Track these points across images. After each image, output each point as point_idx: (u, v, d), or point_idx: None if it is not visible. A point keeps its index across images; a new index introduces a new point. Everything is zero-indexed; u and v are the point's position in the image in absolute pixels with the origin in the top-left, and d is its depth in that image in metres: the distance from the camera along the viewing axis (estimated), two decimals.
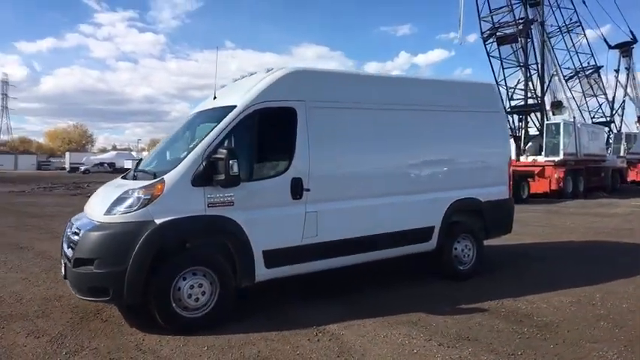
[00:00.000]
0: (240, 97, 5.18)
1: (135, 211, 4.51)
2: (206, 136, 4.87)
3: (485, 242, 9.15)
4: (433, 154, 6.34)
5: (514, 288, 6.10)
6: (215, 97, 5.78)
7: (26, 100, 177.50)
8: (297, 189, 5.16)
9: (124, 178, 5.64)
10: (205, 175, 4.66)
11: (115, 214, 4.58)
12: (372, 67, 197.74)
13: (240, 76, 6.14)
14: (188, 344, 4.33)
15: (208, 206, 4.70)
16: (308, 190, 5.22)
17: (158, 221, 4.48)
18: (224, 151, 4.59)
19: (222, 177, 4.58)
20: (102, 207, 4.74)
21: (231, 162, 4.54)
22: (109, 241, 4.44)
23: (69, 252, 4.76)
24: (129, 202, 4.57)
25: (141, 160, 6.01)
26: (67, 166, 72.77)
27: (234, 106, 5.06)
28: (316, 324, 4.83)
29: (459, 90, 6.91)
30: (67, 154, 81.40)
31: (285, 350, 4.23)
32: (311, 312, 5.19)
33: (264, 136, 5.18)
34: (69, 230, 5.03)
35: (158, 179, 4.66)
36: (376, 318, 5.01)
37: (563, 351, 4.23)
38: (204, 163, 4.68)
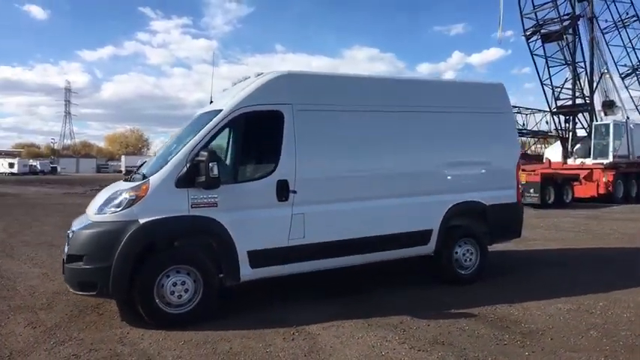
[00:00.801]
0: (228, 101, 5.35)
1: (121, 210, 4.77)
2: (191, 139, 5.07)
3: (501, 247, 9.00)
4: (429, 157, 6.24)
5: (513, 294, 5.93)
6: (211, 102, 5.99)
7: (88, 106, 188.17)
8: (283, 191, 5.26)
9: (125, 180, 5.95)
10: (189, 177, 4.85)
11: (104, 214, 4.86)
12: (423, 69, 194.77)
13: (238, 80, 6.32)
14: (167, 339, 4.53)
15: (192, 207, 4.89)
16: (294, 192, 5.31)
17: (142, 221, 4.72)
18: (205, 153, 4.77)
19: (203, 179, 4.76)
20: (95, 207, 5.04)
21: (211, 164, 4.70)
22: (96, 239, 4.72)
23: (65, 249, 5.09)
24: (116, 202, 4.84)
25: (145, 162, 6.30)
26: (122, 168, 76.43)
27: (221, 110, 5.23)
28: (297, 324, 4.91)
29: (461, 91, 6.78)
30: (123, 157, 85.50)
31: (257, 348, 4.34)
32: (296, 312, 5.27)
33: (250, 138, 5.32)
34: (70, 229, 5.37)
35: (144, 181, 4.90)
36: (358, 320, 5.02)
37: (536, 359, 4.09)
38: (187, 165, 4.87)
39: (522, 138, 33.84)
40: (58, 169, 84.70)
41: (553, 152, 25.34)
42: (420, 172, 6.14)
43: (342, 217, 5.60)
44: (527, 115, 31.19)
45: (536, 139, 34.07)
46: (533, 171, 19.22)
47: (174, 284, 4.81)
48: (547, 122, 28.79)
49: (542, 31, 22.02)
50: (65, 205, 19.31)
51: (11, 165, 76.01)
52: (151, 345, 4.39)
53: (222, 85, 6.64)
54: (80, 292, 4.84)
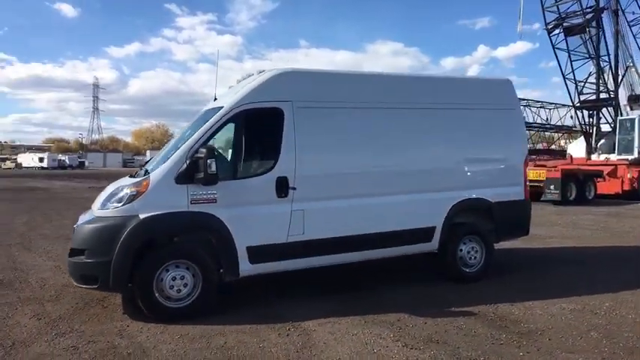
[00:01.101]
0: (229, 98, 5.40)
1: (122, 206, 4.87)
2: (192, 136, 5.13)
3: (514, 244, 8.88)
4: (431, 154, 6.19)
5: (518, 293, 5.84)
6: (215, 99, 6.05)
7: (116, 101, 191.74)
8: (283, 187, 5.29)
9: (131, 175, 6.06)
10: (188, 174, 4.92)
11: (107, 209, 4.98)
12: (448, 63, 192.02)
13: (242, 77, 6.37)
14: (165, 332, 4.61)
15: (191, 203, 4.96)
16: (294, 188, 5.33)
17: (142, 216, 4.81)
18: (203, 150, 4.83)
19: (201, 175, 4.82)
20: (99, 202, 5.16)
21: (209, 161, 4.76)
22: (97, 233, 4.83)
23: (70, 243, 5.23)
24: (118, 197, 4.95)
25: (152, 158, 6.41)
26: None
27: (222, 107, 5.28)
28: (293, 320, 4.93)
29: (465, 87, 6.68)
30: (148, 152, 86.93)
31: (251, 342, 4.38)
32: (294, 308, 5.30)
33: (250, 135, 5.37)
34: (76, 223, 5.51)
35: (145, 177, 5.00)
36: (355, 317, 5.02)
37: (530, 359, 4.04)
38: (187, 162, 4.94)
39: (546, 133, 33.21)
40: (86, 164, 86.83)
41: (577, 148, 24.80)
42: (422, 169, 6.09)
43: (341, 214, 5.60)
44: (551, 109, 30.58)
45: (560, 135, 33.38)
46: (555, 167, 18.83)
47: (174, 279, 4.89)
48: (572, 117, 28.12)
49: (564, 24, 21.49)
50: (88, 200, 19.66)
51: (41, 159, 78.25)
52: (148, 338, 4.48)
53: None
54: (82, 285, 4.96)
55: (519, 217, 6.81)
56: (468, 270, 6.41)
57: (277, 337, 4.53)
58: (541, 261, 7.88)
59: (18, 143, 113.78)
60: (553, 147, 33.11)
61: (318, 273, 6.76)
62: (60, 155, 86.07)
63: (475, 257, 6.43)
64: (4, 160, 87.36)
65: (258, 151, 5.41)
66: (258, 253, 5.21)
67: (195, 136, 5.09)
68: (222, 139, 5.37)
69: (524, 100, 28.83)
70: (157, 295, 4.85)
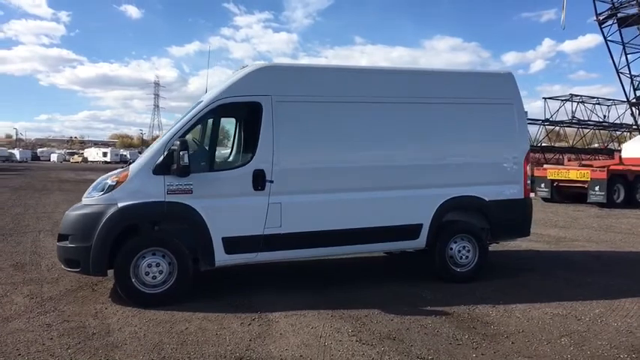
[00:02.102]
0: (209, 93, 5.55)
1: (103, 194, 5.15)
2: (171, 128, 5.33)
3: (528, 245, 8.57)
4: (418, 149, 6.06)
5: (506, 295, 5.65)
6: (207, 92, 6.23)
7: (176, 99, 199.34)
8: (259, 180, 5.38)
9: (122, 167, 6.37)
10: (165, 165, 5.12)
11: (91, 197, 5.27)
12: (510, 58, 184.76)
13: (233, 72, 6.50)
14: (136, 316, 4.84)
15: (168, 193, 5.15)
16: (271, 181, 5.42)
17: (120, 204, 5.06)
18: (177, 142, 5.00)
19: (175, 166, 5.00)
20: (87, 191, 5.47)
21: (181, 153, 4.93)
22: (80, 220, 5.13)
23: None
24: (100, 186, 5.24)
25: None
26: None
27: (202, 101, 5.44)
28: (263, 310, 5.04)
29: (459, 81, 6.46)
30: None
31: (211, 330, 4.52)
32: (270, 299, 5.40)
33: (228, 129, 5.49)
34: None
35: (126, 168, 5.24)
36: (326, 310, 5.05)
37: None
38: (165, 154, 5.14)
39: (603, 131, 31.39)
40: None
41: (633, 147, 23.24)
42: (406, 165, 5.98)
43: (321, 208, 5.62)
44: (608, 106, 28.82)
45: (619, 133, 31.39)
46: (601, 167, 17.77)
47: (149, 265, 5.11)
48: (632, 114, 26.44)
49: (618, 14, 20.16)
50: None
51: (104, 154, 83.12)
52: (118, 320, 4.72)
53: None
54: (67, 269, 5.29)
55: (517, 217, 6.52)
56: (458, 270, 6.23)
57: (239, 326, 4.64)
58: (548, 263, 7.53)
59: (87, 139, 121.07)
60: (611, 146, 31.18)
61: (301, 266, 6.87)
62: (122, 150, 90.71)
63: (467, 257, 6.24)
64: (72, 154, 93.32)
65: (235, 144, 5.53)
66: (233, 244, 5.34)
67: (174, 129, 5.29)
68: (202, 133, 5.53)
69: (577, 96, 27.40)
70: (133, 280, 5.09)
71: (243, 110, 5.46)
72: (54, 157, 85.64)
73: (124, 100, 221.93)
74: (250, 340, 4.28)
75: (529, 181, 6.63)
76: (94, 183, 5.45)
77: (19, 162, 72.27)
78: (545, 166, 20.34)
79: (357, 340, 4.29)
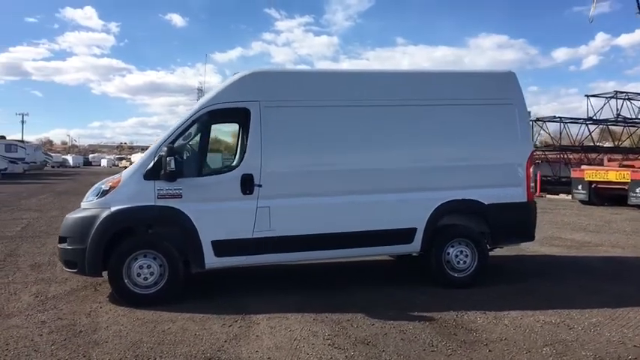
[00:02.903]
0: (201, 100, 5.70)
1: (97, 199, 5.39)
2: (163, 135, 5.51)
3: (541, 250, 8.30)
4: (410, 152, 5.98)
5: (500, 301, 5.50)
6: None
7: None
8: (248, 185, 5.47)
9: None
10: (155, 170, 5.30)
11: (88, 201, 5.52)
12: (560, 54, 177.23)
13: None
14: (125, 316, 5.02)
15: (158, 197, 5.33)
16: (260, 185, 5.50)
17: (113, 208, 5.28)
18: (165, 148, 5.17)
19: (162, 172, 5.17)
20: (85, 195, 5.73)
21: (168, 159, 5.10)
22: (77, 223, 5.39)
23: None
24: (96, 191, 5.48)
25: None
26: None
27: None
28: (248, 312, 5.12)
29: (456, 82, 6.32)
30: None
31: (191, 330, 4.64)
32: (258, 301, 5.47)
33: (217, 135, 5.62)
34: None
35: (120, 173, 5.46)
36: (310, 314, 5.07)
37: None
38: (155, 160, 5.32)
39: None
40: None
41: None
42: (399, 168, 5.92)
43: (310, 212, 5.65)
44: None
45: None
46: None
47: (141, 267, 5.30)
48: None
49: None
50: None
51: None
52: (107, 319, 4.92)
53: None
54: (67, 269, 5.56)
55: (520, 221, 6.30)
56: (456, 275, 6.10)
57: (220, 327, 4.73)
58: (563, 269, 7.24)
59: (135, 144, 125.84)
60: None
61: (298, 269, 6.92)
62: None
63: (464, 262, 6.09)
64: (121, 159, 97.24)
65: (224, 149, 5.65)
66: (223, 247, 5.45)
67: (164, 135, 5.47)
68: (192, 139, 5.68)
69: (622, 92, 26.09)
70: (126, 281, 5.29)
71: (233, 116, 5.57)
72: (104, 162, 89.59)
73: (170, 107, 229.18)
74: (225, 342, 4.36)
75: (532, 184, 6.39)
76: (92, 188, 5.70)
77: (72, 167, 75.89)
78: (582, 167, 19.49)
79: (329, 345, 4.29)
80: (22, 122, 75.99)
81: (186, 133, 5.54)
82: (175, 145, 5.34)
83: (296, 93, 5.73)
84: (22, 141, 49.83)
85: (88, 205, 5.46)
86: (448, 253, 6.06)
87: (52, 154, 78.25)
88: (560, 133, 26.67)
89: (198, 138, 5.66)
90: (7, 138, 45.70)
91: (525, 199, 6.30)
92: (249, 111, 5.55)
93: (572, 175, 18.81)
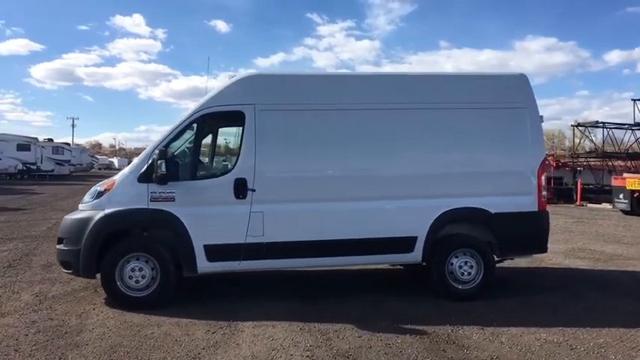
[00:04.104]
0: (196, 103, 5.69)
1: (92, 201, 5.44)
2: (158, 137, 5.52)
3: (565, 263, 7.89)
4: (411, 158, 5.75)
5: (502, 317, 5.17)
6: None
7: None
8: (241, 189, 5.39)
9: None
10: (148, 174, 5.30)
11: (84, 203, 5.59)
12: (613, 56, 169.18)
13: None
14: (114, 318, 5.03)
15: (151, 200, 5.33)
16: (253, 190, 5.41)
17: (106, 211, 5.31)
18: (157, 152, 5.17)
19: (154, 175, 5.17)
20: (83, 197, 5.81)
21: (159, 162, 5.09)
22: (73, 225, 5.45)
23: None
24: (91, 194, 5.53)
25: None
26: None
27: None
28: (237, 319, 5.03)
29: (462, 85, 6.03)
30: None
31: (174, 335, 4.59)
32: (250, 308, 5.38)
33: (211, 138, 5.57)
34: None
35: (114, 176, 5.50)
36: (299, 323, 4.94)
37: None
38: (148, 163, 5.32)
39: None
40: None
41: None
42: (398, 174, 5.70)
43: (305, 218, 5.52)
44: None
45: None
46: None
47: (133, 270, 5.30)
48: None
49: None
50: None
51: None
52: (96, 322, 4.94)
53: None
54: (64, 270, 5.63)
55: (530, 231, 5.94)
56: (460, 287, 5.80)
57: (204, 333, 4.66)
58: (584, 283, 6.79)
59: None
60: None
61: (294, 276, 6.78)
62: None
63: (469, 273, 5.79)
64: None
65: (218, 153, 5.60)
66: (215, 252, 5.38)
67: (159, 138, 5.47)
68: (187, 141, 5.66)
69: None
70: (118, 284, 5.30)
71: (226, 119, 5.52)
72: None
73: None
74: (203, 349, 4.28)
75: (544, 192, 6.01)
76: (90, 190, 5.77)
77: (117, 169, 78.65)
78: (624, 174, 18.47)
79: (308, 357, 4.14)
80: (73, 126, 79.08)
81: (181, 137, 5.53)
82: (169, 148, 5.33)
83: (292, 96, 5.62)
84: (68, 144, 51.90)
85: (84, 207, 5.52)
86: (452, 264, 5.78)
87: (99, 157, 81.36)
88: (604, 140, 25.43)
89: (192, 141, 5.63)
90: (57, 141, 47.76)
91: (536, 208, 5.93)
92: (244, 114, 5.48)
93: (612, 184, 17.87)
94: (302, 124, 5.60)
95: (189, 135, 5.59)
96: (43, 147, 39.38)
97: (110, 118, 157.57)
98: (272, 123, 5.50)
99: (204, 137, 5.79)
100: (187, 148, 5.62)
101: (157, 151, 5.20)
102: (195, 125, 5.57)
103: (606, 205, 20.22)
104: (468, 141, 5.83)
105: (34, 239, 9.80)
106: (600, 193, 22.36)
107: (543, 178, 5.99)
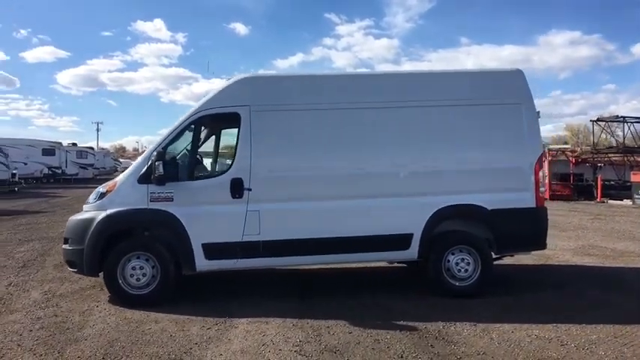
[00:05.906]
0: (194, 105, 5.83)
1: (95, 202, 5.64)
2: (157, 139, 5.68)
3: (572, 260, 7.82)
4: (406, 155, 5.78)
5: (497, 314, 5.19)
6: None
7: None
8: (237, 188, 5.52)
9: None
10: (148, 174, 5.46)
11: (87, 205, 5.79)
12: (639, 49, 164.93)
13: None
14: (115, 315, 5.21)
15: (150, 201, 5.49)
16: (249, 189, 5.53)
17: (108, 211, 5.50)
18: (155, 153, 5.33)
19: (152, 176, 5.33)
20: (88, 198, 6.02)
21: (157, 163, 5.25)
22: (77, 225, 5.65)
23: None
24: (94, 195, 5.73)
25: None
26: None
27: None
28: (233, 316, 5.15)
29: (456, 82, 6.03)
30: None
31: (170, 331, 4.73)
32: (247, 305, 5.50)
33: (207, 139, 5.71)
34: None
35: (116, 177, 5.69)
36: (292, 319, 5.03)
37: None
38: (148, 164, 5.49)
39: None
40: None
41: None
42: (394, 172, 5.74)
43: (301, 216, 5.60)
44: None
45: None
46: None
47: (134, 268, 5.47)
48: None
49: None
50: None
51: None
52: (98, 318, 5.12)
53: None
54: (69, 269, 5.84)
55: (528, 228, 5.91)
56: (457, 284, 5.81)
57: (198, 329, 4.79)
58: (587, 281, 6.74)
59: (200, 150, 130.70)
60: None
61: (293, 273, 6.87)
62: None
63: (466, 270, 5.80)
64: None
65: (215, 153, 5.72)
66: (213, 250, 5.52)
67: (159, 139, 5.63)
68: (185, 143, 5.80)
69: None
70: (120, 282, 5.48)
71: (223, 121, 5.65)
72: None
73: None
74: (196, 344, 4.41)
75: (542, 188, 5.98)
76: (94, 191, 5.97)
77: None
78: None
79: (296, 352, 4.23)
80: (97, 130, 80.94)
81: (180, 138, 5.68)
82: (168, 149, 5.49)
83: (286, 97, 5.71)
84: (92, 148, 53.11)
85: (88, 208, 5.72)
86: (448, 261, 5.80)
87: (122, 160, 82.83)
88: (624, 135, 24.84)
89: (190, 143, 5.77)
90: (82, 145, 48.90)
91: (534, 204, 5.91)
92: (240, 115, 5.61)
93: (632, 179, 17.49)
94: (297, 124, 5.69)
95: (187, 137, 5.73)
96: (67, 151, 40.37)
97: (133, 122, 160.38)
98: (267, 123, 5.61)
99: (201, 139, 5.94)
100: (185, 149, 5.77)
101: (155, 153, 5.36)
102: (193, 127, 5.71)
103: (627, 202, 19.78)
104: (464, 137, 5.83)
105: (50, 240, 10.14)
106: (622, 190, 21.86)
107: (541, 174, 5.95)
